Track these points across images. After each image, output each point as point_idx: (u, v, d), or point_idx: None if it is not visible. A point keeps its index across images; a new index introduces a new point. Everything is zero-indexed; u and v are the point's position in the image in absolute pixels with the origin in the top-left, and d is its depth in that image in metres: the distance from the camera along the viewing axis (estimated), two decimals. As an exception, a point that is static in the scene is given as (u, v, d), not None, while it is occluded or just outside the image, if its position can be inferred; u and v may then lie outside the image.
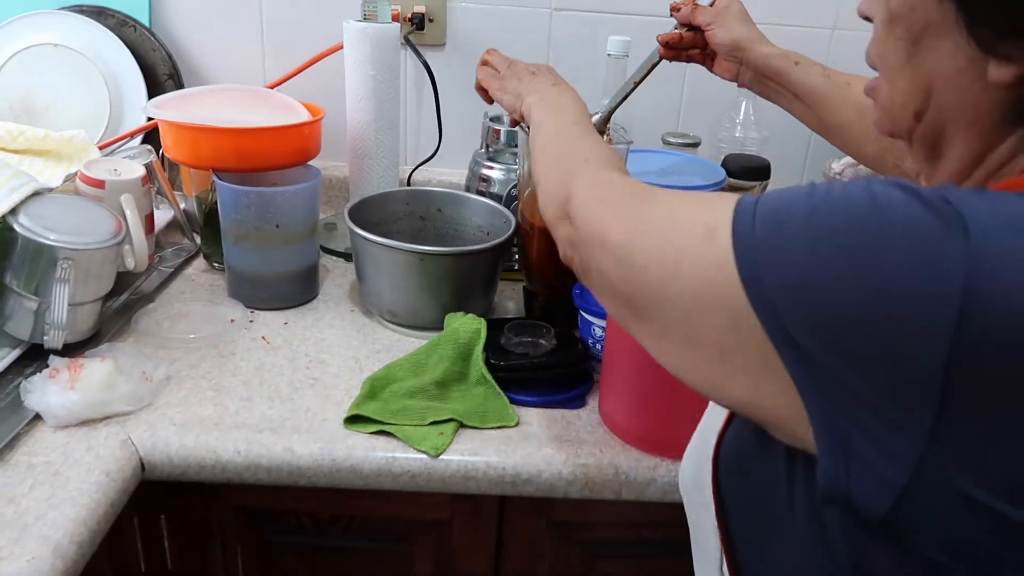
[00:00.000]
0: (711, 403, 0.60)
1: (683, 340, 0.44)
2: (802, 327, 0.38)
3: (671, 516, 0.71)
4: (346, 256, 1.10)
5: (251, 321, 0.93)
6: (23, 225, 0.77)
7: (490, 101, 0.86)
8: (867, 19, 0.49)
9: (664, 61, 0.87)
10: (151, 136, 1.16)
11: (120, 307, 0.93)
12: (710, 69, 0.88)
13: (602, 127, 0.89)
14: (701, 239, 0.43)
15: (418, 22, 1.19)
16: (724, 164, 1.10)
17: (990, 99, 0.42)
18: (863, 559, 0.42)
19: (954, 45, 0.42)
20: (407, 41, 1.16)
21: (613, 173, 0.58)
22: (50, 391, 0.72)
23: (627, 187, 0.54)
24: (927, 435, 0.36)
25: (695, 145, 1.18)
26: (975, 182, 0.45)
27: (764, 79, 0.84)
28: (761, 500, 0.50)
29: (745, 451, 0.52)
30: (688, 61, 0.89)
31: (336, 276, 1.06)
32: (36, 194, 0.81)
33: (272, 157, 0.96)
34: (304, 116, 1.01)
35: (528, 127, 0.74)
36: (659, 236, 0.46)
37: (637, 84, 0.87)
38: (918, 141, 0.47)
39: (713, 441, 0.56)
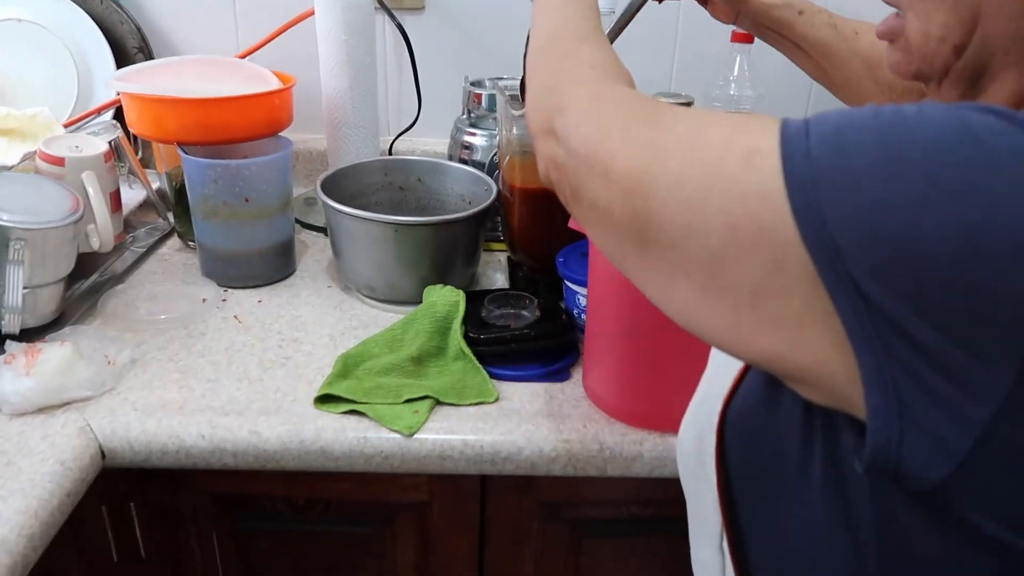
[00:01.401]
0: (711, 368, 0.56)
1: (705, 282, 0.38)
2: (870, 269, 0.32)
3: (664, 492, 0.68)
4: (325, 231, 1.06)
5: (224, 300, 0.89)
6: (-28, 205, 0.73)
7: None
8: None
9: (654, 3, 0.81)
10: (121, 113, 1.12)
11: (87, 289, 0.89)
12: (704, 6, 0.82)
13: None
14: (738, 165, 0.36)
15: (394, -16, 1.14)
16: (717, 123, 1.05)
17: None
18: (894, 531, 0.38)
19: None
20: (381, 4, 1.11)
21: (620, 86, 0.49)
22: (4, 378, 0.69)
23: (638, 104, 0.45)
24: (1004, 396, 0.31)
25: (688, 104, 1.12)
26: None
27: (765, 29, 0.79)
28: (771, 470, 0.47)
29: (756, 416, 0.49)
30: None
31: (315, 252, 1.03)
32: (-12, 173, 0.77)
33: (240, 128, 0.92)
34: (274, 85, 0.97)
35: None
36: (681, 163, 0.39)
37: (621, 29, 0.81)
38: (955, 78, 0.43)
39: (718, 408, 0.52)
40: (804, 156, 0.34)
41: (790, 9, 0.76)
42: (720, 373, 0.54)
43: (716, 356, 0.57)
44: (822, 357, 0.35)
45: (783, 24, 0.77)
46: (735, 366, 0.52)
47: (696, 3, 0.82)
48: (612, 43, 0.81)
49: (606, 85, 0.49)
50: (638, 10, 0.81)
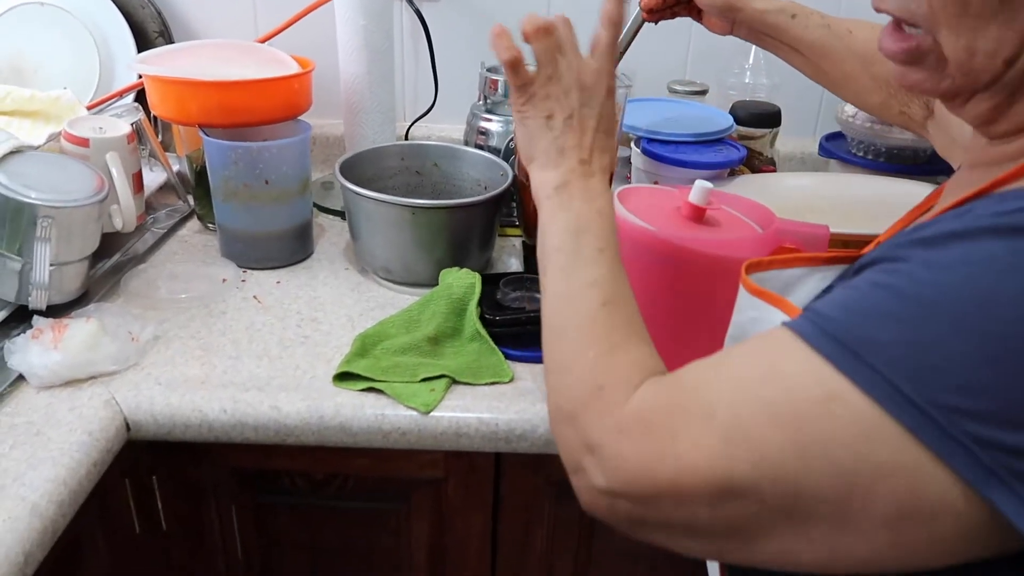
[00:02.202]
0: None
1: (838, 531, 0.37)
2: (975, 415, 0.34)
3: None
4: (342, 215, 1.08)
5: (243, 281, 0.91)
6: (2, 183, 0.75)
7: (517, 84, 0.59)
8: None
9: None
10: (143, 96, 1.13)
11: (110, 268, 0.91)
12: (698, 21, 0.84)
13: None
14: (822, 419, 0.36)
15: (412, -30, 1.15)
16: (732, 111, 1.05)
17: None
18: None
19: None
20: (400, -11, 1.12)
21: (651, 376, 0.45)
22: (32, 351, 0.70)
23: (682, 396, 0.41)
24: None
25: (703, 93, 1.13)
26: None
27: (761, 36, 0.80)
28: None
29: None
30: (672, 17, 0.84)
31: (332, 235, 1.04)
32: (16, 152, 0.79)
33: (261, 111, 0.93)
34: (294, 69, 0.98)
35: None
36: (760, 444, 0.37)
37: (623, 53, 0.83)
38: (999, 90, 0.41)
39: None
40: (882, 369, 0.35)
41: (783, 14, 0.77)
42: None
43: None
44: (962, 527, 0.35)
45: (778, 29, 0.78)
46: None
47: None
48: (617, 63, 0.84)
49: (622, 387, 0.45)
50: (636, 34, 0.83)
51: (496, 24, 0.59)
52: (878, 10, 0.44)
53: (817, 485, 0.36)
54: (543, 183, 0.56)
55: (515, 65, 0.57)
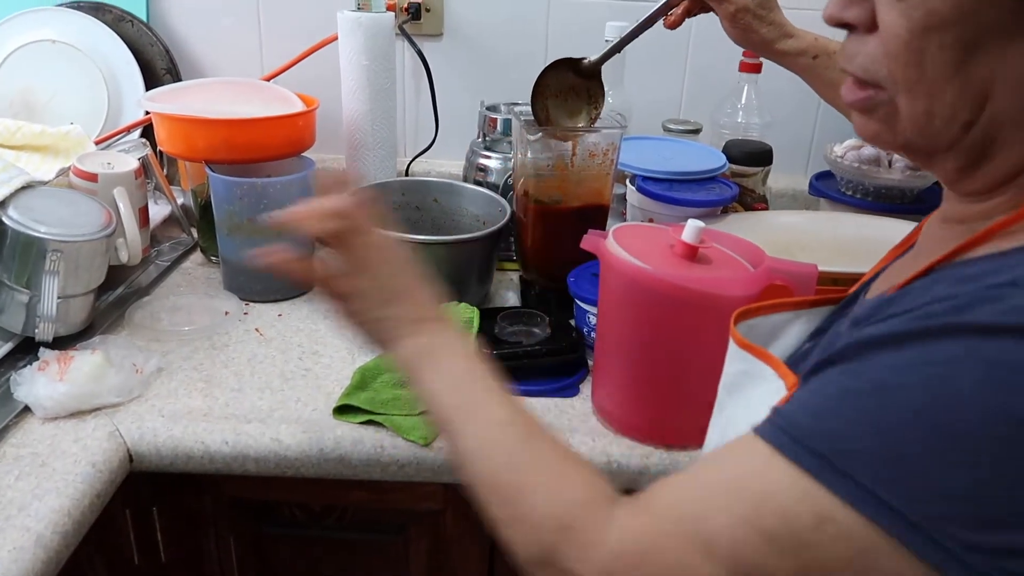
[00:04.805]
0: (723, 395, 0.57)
1: None
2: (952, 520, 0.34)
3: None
4: (343, 248, 1.09)
5: (245, 313, 0.93)
6: (12, 218, 0.77)
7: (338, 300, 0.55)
8: (845, 26, 0.43)
9: (667, 30, 0.84)
10: (149, 132, 1.16)
11: (115, 300, 0.93)
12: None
13: (597, 67, 0.87)
14: (821, 545, 0.36)
15: (414, 11, 1.18)
16: (725, 150, 1.08)
17: None
18: None
19: (1020, 48, 0.37)
20: (402, 31, 1.16)
21: (611, 500, 0.44)
22: (39, 383, 0.72)
23: (670, 528, 0.40)
24: None
25: (696, 132, 1.16)
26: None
27: (786, 66, 0.82)
28: None
29: None
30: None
31: (333, 268, 1.06)
32: (26, 187, 0.81)
33: (265, 148, 0.96)
34: (298, 107, 1.01)
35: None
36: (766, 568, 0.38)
37: (623, 46, 0.85)
38: (958, 153, 0.42)
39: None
40: (863, 478, 0.35)
41: (805, 56, 0.80)
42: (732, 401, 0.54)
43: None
44: None
45: (801, 70, 0.81)
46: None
47: (707, 31, 0.85)
48: (631, 41, 0.85)
49: (590, 521, 0.43)
50: (644, 29, 0.84)
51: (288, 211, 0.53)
52: (843, 71, 0.44)
53: None
54: (403, 358, 0.53)
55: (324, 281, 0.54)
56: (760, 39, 0.79)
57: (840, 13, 0.42)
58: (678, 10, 0.82)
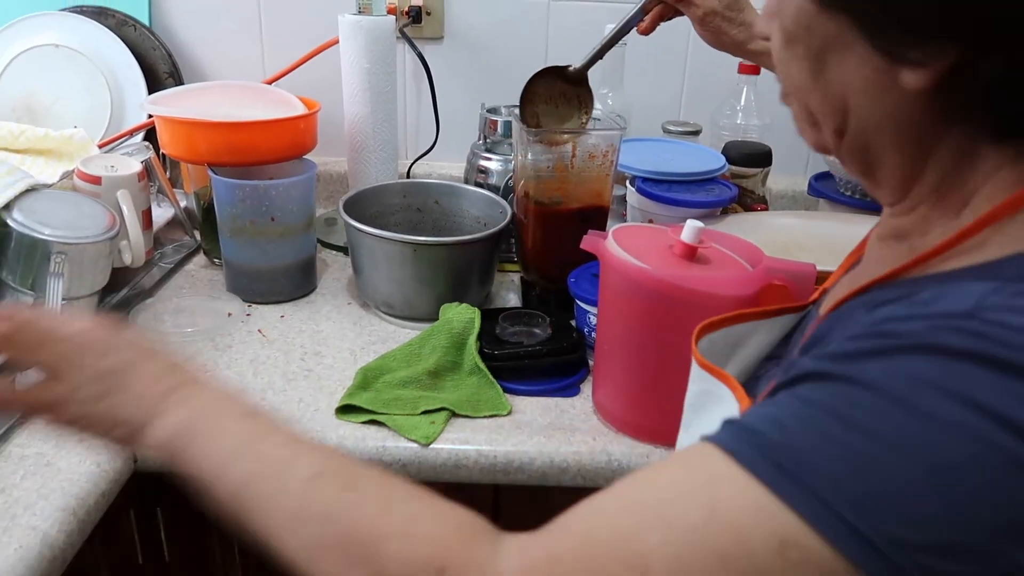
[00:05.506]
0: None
1: None
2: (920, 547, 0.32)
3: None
4: (345, 251, 1.10)
5: (248, 315, 0.93)
6: (17, 220, 0.77)
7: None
8: (766, 40, 0.46)
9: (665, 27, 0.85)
10: (152, 135, 1.17)
11: (119, 303, 0.93)
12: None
13: (583, 73, 0.88)
14: (783, 571, 0.32)
15: (415, 15, 1.19)
16: (725, 151, 1.08)
17: (911, 105, 0.39)
18: None
19: (859, 57, 0.39)
20: (402, 34, 1.16)
21: (483, 529, 0.39)
22: (44, 384, 0.72)
23: (591, 549, 0.36)
24: None
25: (696, 133, 1.16)
26: (928, 192, 0.42)
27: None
28: None
29: None
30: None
31: (335, 270, 1.06)
32: (30, 190, 0.82)
33: (267, 151, 0.96)
34: (300, 110, 1.01)
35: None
36: None
37: (616, 39, 0.85)
38: (846, 157, 0.44)
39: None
40: (830, 514, 0.32)
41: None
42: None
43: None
44: None
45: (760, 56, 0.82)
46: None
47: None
48: (612, 47, 0.85)
49: (465, 560, 0.37)
50: (623, 34, 0.84)
51: None
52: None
53: None
54: (160, 444, 0.47)
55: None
56: (731, 40, 0.80)
57: (763, 28, 0.46)
58: (651, 15, 0.82)
